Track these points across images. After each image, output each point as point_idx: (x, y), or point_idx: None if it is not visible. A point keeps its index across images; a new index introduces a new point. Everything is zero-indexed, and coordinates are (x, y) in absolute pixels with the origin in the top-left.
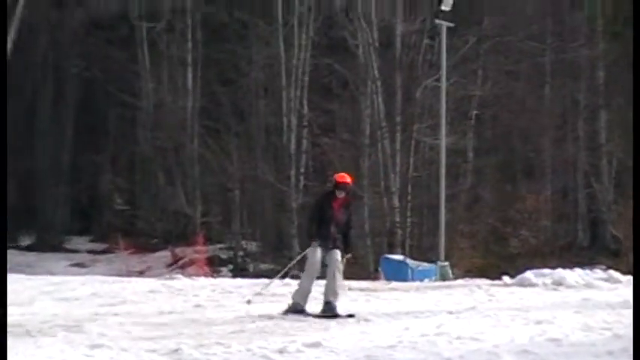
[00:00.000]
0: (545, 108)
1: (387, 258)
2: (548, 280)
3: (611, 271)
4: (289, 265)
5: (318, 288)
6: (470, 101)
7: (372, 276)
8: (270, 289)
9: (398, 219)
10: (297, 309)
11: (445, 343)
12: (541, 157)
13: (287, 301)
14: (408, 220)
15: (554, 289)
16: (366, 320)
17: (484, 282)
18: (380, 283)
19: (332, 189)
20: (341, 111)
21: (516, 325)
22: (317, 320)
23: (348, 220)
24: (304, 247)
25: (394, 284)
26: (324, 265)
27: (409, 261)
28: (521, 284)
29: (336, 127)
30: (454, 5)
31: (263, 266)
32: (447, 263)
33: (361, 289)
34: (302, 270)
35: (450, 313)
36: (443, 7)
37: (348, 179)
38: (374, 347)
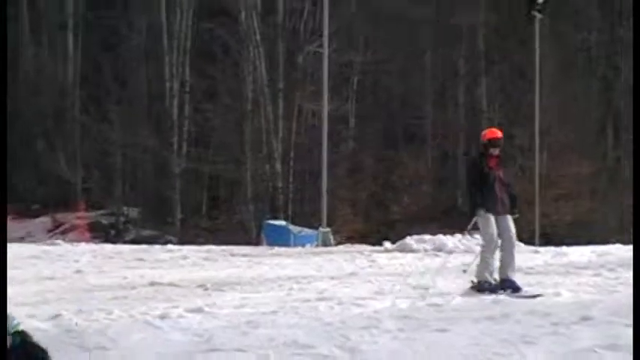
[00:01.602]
0: (426, 74)
1: (269, 223)
2: (428, 246)
3: None
4: (466, 234)
5: None
6: (352, 68)
7: (254, 241)
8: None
9: (280, 184)
10: (484, 287)
11: (327, 309)
12: (422, 123)
13: (470, 279)
14: (290, 185)
15: (435, 255)
16: (250, 285)
17: (365, 248)
18: (262, 249)
19: (483, 148)
20: (223, 77)
21: (397, 290)
22: (199, 287)
23: (508, 176)
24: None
25: (276, 250)
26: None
27: (291, 226)
28: (402, 250)
29: (219, 92)
30: None
31: (144, 232)
32: (328, 229)
33: (243, 255)
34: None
35: (332, 278)
36: None
37: (499, 133)
38: (256, 313)
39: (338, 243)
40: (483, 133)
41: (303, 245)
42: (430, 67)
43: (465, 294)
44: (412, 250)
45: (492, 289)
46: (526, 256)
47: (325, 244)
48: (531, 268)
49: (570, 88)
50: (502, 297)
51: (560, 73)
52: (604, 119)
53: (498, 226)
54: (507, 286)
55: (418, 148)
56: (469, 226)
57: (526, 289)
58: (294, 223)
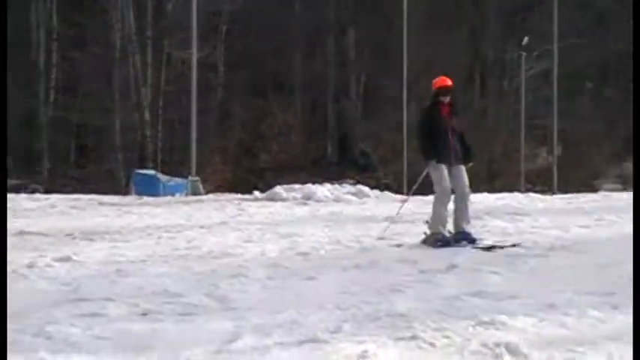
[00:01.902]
0: (296, 24)
1: (138, 172)
2: (298, 195)
3: (360, 186)
4: (413, 188)
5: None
6: (220, 16)
7: (124, 190)
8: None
9: (149, 133)
10: (438, 239)
11: (196, 258)
12: (291, 72)
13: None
14: (160, 134)
15: (304, 204)
16: (119, 234)
17: (235, 196)
18: (131, 198)
19: (434, 97)
20: (91, 24)
21: (266, 239)
22: (67, 236)
23: (461, 124)
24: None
25: (145, 199)
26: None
27: (160, 175)
28: (272, 199)
29: (87, 41)
30: None
31: (12, 181)
32: (197, 178)
33: (112, 204)
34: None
35: (202, 227)
36: None
37: (449, 81)
38: (125, 261)
39: (207, 192)
40: (434, 81)
41: (172, 194)
42: (299, 17)
43: (333, 242)
44: (281, 199)
45: (446, 242)
46: (394, 204)
47: (195, 193)
48: (399, 216)
49: (438, 38)
50: (369, 245)
51: (428, 23)
52: (471, 69)
53: (452, 177)
54: (462, 238)
55: (287, 98)
56: (414, 186)
57: (481, 240)
58: (163, 172)
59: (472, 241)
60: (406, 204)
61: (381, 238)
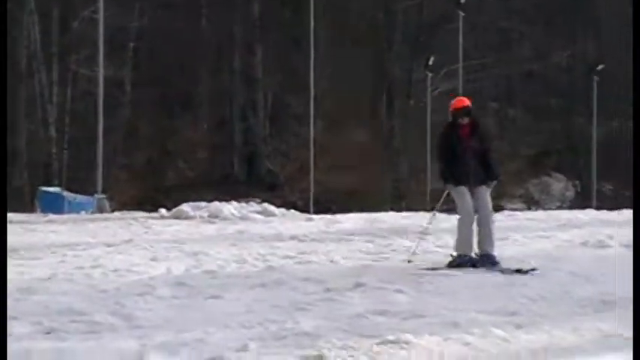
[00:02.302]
0: (202, 40)
1: (43, 190)
2: (204, 213)
3: (266, 205)
4: (434, 212)
5: None
6: (128, 33)
7: (29, 208)
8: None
9: (55, 150)
10: (464, 260)
11: (101, 276)
12: (198, 89)
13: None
14: (65, 151)
15: (210, 222)
16: (24, 251)
17: (141, 214)
18: (36, 216)
19: (452, 119)
20: None
21: (172, 258)
22: None
23: (485, 146)
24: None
25: (51, 216)
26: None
27: (66, 193)
28: (178, 217)
29: None
30: None
31: None
32: (104, 195)
33: (18, 222)
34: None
35: (107, 245)
36: None
37: (466, 102)
38: (30, 279)
39: (114, 210)
40: (451, 103)
41: (78, 212)
42: (206, 34)
43: (239, 261)
44: (188, 217)
45: (473, 263)
46: (300, 223)
47: (101, 210)
48: (306, 235)
49: (345, 57)
50: (275, 264)
51: (335, 41)
52: (378, 88)
53: (474, 199)
54: (486, 260)
55: (194, 114)
56: (438, 204)
57: (507, 266)
58: (69, 189)
59: (494, 264)
60: (431, 221)
61: (413, 255)
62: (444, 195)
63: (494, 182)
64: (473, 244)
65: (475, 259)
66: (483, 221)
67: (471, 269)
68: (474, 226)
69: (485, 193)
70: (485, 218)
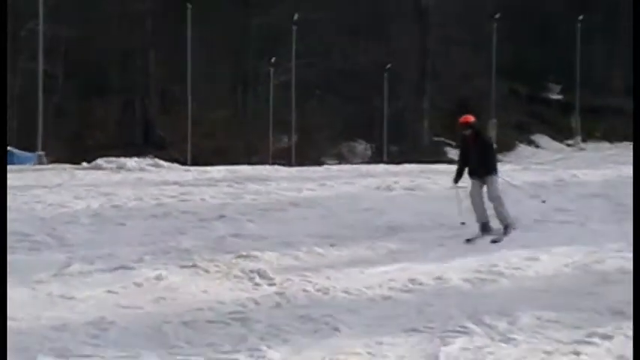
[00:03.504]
0: (114, 46)
1: None
2: (113, 165)
3: (157, 160)
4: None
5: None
6: (59, 39)
7: None
8: None
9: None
10: (486, 229)
11: (41, 208)
12: (110, 80)
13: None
14: (15, 121)
15: (117, 172)
16: None
17: (68, 166)
18: None
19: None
20: None
21: (90, 197)
22: None
23: (484, 150)
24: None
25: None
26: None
27: (15, 150)
28: (95, 168)
29: None
30: None
31: None
32: (42, 152)
33: None
34: None
35: (44, 187)
36: None
37: (466, 119)
38: None
39: (49, 162)
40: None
41: (24, 164)
42: (117, 41)
43: (137, 199)
44: (101, 169)
45: (487, 229)
46: (181, 173)
47: (40, 163)
48: (185, 181)
49: (214, 58)
50: (166, 202)
51: (208, 46)
52: (235, 79)
53: (486, 185)
54: (507, 230)
55: (108, 98)
56: (457, 200)
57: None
58: (17, 147)
59: (487, 230)
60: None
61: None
62: (456, 189)
63: (495, 175)
64: (484, 213)
65: (487, 222)
66: (491, 201)
67: None
68: (486, 203)
69: (492, 181)
70: (492, 199)
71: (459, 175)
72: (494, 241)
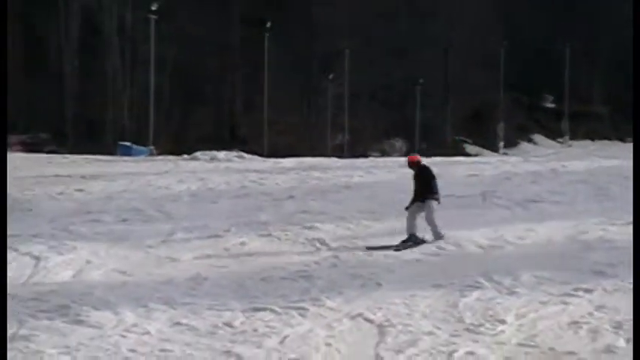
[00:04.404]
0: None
1: (120, 143)
2: (208, 157)
3: (241, 153)
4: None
5: None
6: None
7: (113, 153)
8: None
9: (127, 121)
10: (411, 240)
11: (153, 189)
12: (220, 88)
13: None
14: (134, 123)
15: (211, 162)
16: (109, 176)
17: (173, 158)
18: (117, 157)
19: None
20: None
21: (190, 181)
22: (81, 177)
23: (426, 181)
24: None
25: (125, 158)
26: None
27: (133, 145)
28: (193, 159)
29: None
30: None
31: None
32: (153, 147)
33: (106, 161)
34: None
35: (154, 174)
36: None
37: (413, 159)
38: (117, 191)
39: (158, 154)
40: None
41: (139, 156)
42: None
43: (226, 183)
44: (198, 160)
45: (416, 241)
46: (260, 163)
47: (151, 155)
48: (262, 170)
49: (286, 72)
50: (248, 184)
51: (284, 69)
52: (302, 90)
53: (425, 208)
54: (437, 237)
55: (206, 108)
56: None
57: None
58: (134, 143)
59: (412, 240)
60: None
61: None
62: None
63: (433, 200)
64: (413, 228)
65: (414, 235)
66: (429, 222)
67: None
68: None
69: (429, 205)
70: (429, 220)
71: (412, 203)
72: (397, 250)
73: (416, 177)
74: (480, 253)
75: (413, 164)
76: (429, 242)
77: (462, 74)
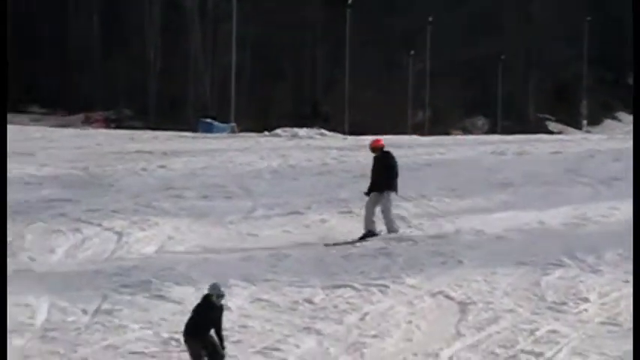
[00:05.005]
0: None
1: (202, 120)
2: (288, 134)
3: (322, 130)
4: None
5: None
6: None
7: (193, 129)
8: None
9: (208, 97)
10: (369, 234)
11: (234, 165)
12: (292, 65)
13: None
14: (214, 98)
15: (291, 139)
16: (191, 152)
17: (253, 134)
18: (198, 134)
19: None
20: None
21: (270, 158)
22: (162, 154)
23: (387, 170)
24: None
25: (206, 135)
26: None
27: (215, 122)
28: (274, 135)
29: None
30: None
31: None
32: (234, 124)
33: (186, 137)
34: None
35: (236, 150)
36: None
37: (378, 142)
38: (193, 168)
39: (240, 131)
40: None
41: (220, 132)
42: None
43: (307, 160)
44: (279, 136)
45: (372, 233)
46: (341, 141)
47: (233, 131)
48: (343, 147)
49: (366, 49)
50: (329, 161)
51: (365, 46)
52: (383, 67)
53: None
54: (391, 230)
55: (284, 84)
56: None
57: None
58: (214, 119)
59: (370, 235)
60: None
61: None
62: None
63: (392, 191)
64: (372, 224)
65: (372, 231)
66: (384, 213)
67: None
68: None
69: (387, 196)
70: (384, 212)
71: (370, 189)
72: (361, 239)
73: (377, 162)
74: (563, 230)
75: (376, 149)
76: (382, 235)
77: (544, 50)
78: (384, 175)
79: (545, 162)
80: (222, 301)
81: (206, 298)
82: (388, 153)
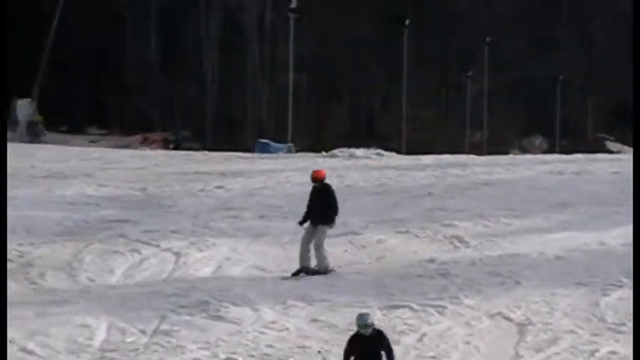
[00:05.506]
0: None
1: (259, 141)
2: (346, 154)
3: (379, 150)
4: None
5: None
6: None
7: (251, 151)
8: None
9: (266, 119)
10: (304, 271)
11: (291, 185)
12: (348, 84)
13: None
14: (272, 121)
15: (349, 159)
16: (249, 173)
17: (311, 154)
18: (256, 155)
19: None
20: None
21: (327, 178)
22: (219, 174)
23: (327, 203)
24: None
25: (262, 155)
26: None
27: (271, 142)
28: (332, 156)
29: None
30: None
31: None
32: (291, 144)
33: (244, 158)
34: None
35: (292, 170)
36: None
37: (321, 174)
38: (250, 189)
39: (297, 151)
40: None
41: (277, 153)
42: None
43: (363, 181)
44: (336, 156)
45: (305, 270)
46: (398, 160)
47: (289, 151)
48: (400, 166)
49: (424, 68)
50: (386, 181)
51: (422, 65)
52: (440, 87)
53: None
54: (322, 269)
55: (340, 102)
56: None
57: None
58: (272, 140)
59: (305, 272)
60: None
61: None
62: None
63: (328, 226)
64: (305, 259)
65: (305, 267)
66: (317, 249)
67: None
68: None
69: (322, 230)
70: (317, 247)
71: (304, 219)
72: (295, 275)
73: (316, 194)
74: (622, 251)
75: (317, 179)
76: (315, 269)
77: (604, 69)
78: (323, 208)
79: (604, 182)
80: (376, 326)
81: (356, 336)
82: (328, 186)
